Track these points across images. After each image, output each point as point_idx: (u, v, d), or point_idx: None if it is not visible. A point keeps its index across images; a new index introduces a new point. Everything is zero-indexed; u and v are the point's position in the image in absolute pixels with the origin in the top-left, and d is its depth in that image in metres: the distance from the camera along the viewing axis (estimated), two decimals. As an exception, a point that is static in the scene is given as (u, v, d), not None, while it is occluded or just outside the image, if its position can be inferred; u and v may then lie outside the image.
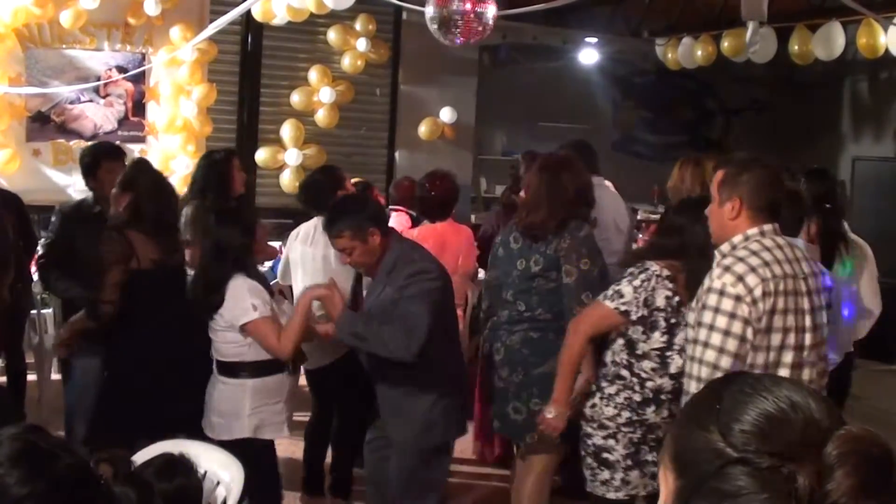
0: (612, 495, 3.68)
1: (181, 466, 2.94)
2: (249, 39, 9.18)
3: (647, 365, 3.59)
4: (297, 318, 4.00)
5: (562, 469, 4.84)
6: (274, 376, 4.06)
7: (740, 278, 2.97)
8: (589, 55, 10.70)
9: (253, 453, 3.85)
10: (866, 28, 8.10)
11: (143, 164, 4.98)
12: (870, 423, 1.16)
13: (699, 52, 9.52)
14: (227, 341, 4.01)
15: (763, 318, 2.98)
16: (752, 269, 2.98)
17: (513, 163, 6.02)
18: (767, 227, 3.08)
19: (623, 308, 3.57)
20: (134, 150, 8.05)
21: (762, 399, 1.14)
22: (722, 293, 2.98)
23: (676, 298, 3.53)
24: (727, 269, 3.00)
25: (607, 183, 5.55)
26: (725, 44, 9.09)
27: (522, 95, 10.66)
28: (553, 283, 4.24)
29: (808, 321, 3.08)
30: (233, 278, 3.94)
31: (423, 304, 3.86)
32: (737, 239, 3.07)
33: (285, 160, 9.15)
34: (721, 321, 2.97)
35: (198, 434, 4.07)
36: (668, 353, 3.56)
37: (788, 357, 3.05)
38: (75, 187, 8.39)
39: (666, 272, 3.55)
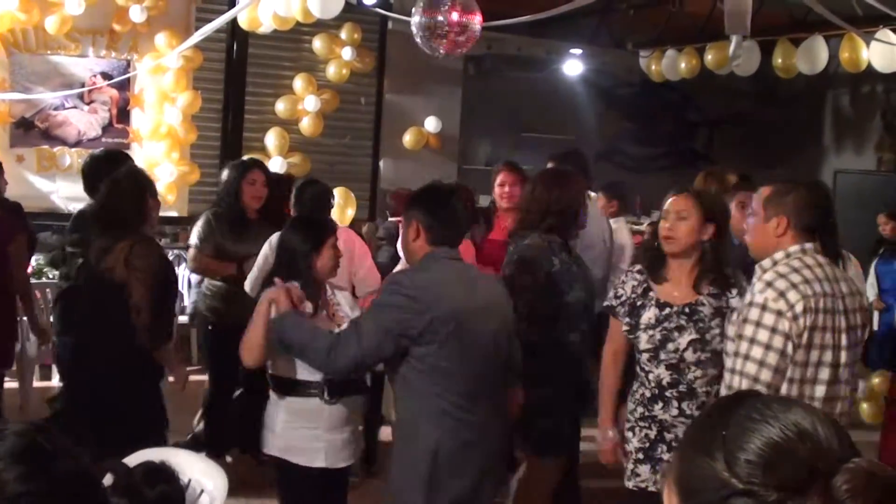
0: (625, 483, 3.79)
1: (163, 474, 2.93)
2: (235, 47, 9.17)
3: (644, 357, 3.71)
4: (253, 323, 3.79)
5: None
6: (303, 398, 3.85)
7: (782, 294, 3.07)
8: (573, 66, 10.76)
9: (284, 475, 3.87)
10: (849, 42, 8.18)
11: (122, 171, 4.77)
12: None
13: (683, 65, 9.60)
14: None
15: (804, 333, 3.07)
16: (794, 286, 3.07)
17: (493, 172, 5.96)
18: (809, 245, 3.19)
19: (607, 303, 3.86)
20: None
21: (768, 426, 1.12)
22: (764, 308, 3.07)
23: (644, 285, 3.74)
24: (769, 284, 3.10)
25: (593, 195, 5.58)
26: (709, 56, 9.16)
27: (507, 106, 10.69)
28: None
29: (843, 339, 3.16)
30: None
31: (377, 317, 3.50)
32: (778, 255, 3.18)
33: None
34: (762, 335, 3.07)
35: (128, 433, 4.23)
36: (637, 333, 3.70)
37: (825, 374, 3.13)
38: (59, 194, 8.38)
39: (638, 266, 3.82)
